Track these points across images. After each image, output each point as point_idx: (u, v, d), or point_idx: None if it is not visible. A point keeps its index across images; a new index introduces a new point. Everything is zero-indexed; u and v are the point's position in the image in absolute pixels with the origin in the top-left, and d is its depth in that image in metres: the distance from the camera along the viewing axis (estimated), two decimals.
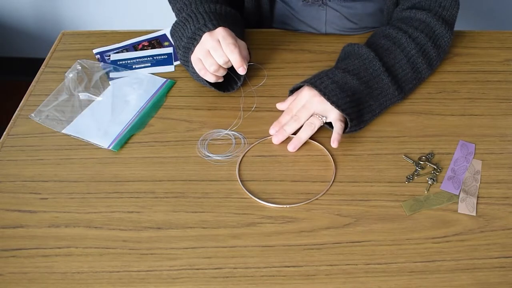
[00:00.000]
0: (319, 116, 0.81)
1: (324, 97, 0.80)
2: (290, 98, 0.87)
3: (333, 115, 0.81)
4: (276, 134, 0.83)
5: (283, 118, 0.84)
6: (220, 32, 0.84)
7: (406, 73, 0.87)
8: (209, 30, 0.85)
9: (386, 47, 0.88)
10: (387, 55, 0.87)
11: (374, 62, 0.85)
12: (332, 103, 0.80)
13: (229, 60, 0.83)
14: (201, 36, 0.85)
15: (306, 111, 0.82)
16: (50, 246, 0.70)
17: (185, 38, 0.89)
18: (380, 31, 0.93)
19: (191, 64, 0.86)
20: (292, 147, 0.81)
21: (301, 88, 0.85)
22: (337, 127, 0.80)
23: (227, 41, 0.83)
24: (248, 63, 0.87)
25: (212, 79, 0.86)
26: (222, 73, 0.86)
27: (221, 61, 0.83)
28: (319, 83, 0.82)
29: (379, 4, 1.00)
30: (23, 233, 0.72)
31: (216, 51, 0.83)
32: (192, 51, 0.86)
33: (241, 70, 0.84)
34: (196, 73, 0.87)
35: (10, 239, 0.71)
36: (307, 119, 0.82)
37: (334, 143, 0.79)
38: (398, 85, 0.86)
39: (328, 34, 1.02)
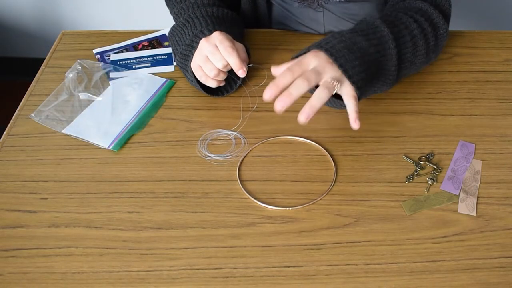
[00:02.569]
0: (333, 82, 0.70)
1: (331, 58, 0.71)
2: (290, 62, 0.75)
3: (347, 85, 0.72)
4: (281, 98, 0.68)
5: (282, 79, 0.70)
6: (217, 36, 0.83)
7: (406, 52, 0.80)
8: (205, 36, 0.84)
9: (391, 20, 0.82)
10: (392, 27, 0.80)
11: (382, 28, 0.78)
12: (340, 66, 0.71)
13: (228, 64, 0.83)
14: (198, 43, 0.85)
15: (316, 74, 0.70)
16: (50, 246, 0.70)
17: (183, 44, 0.88)
18: (380, 15, 0.87)
19: (190, 69, 0.86)
20: (304, 116, 0.69)
21: (306, 54, 0.75)
22: (351, 105, 0.72)
23: (224, 44, 0.82)
24: (248, 64, 0.87)
25: (213, 84, 0.85)
26: (222, 77, 0.85)
27: (220, 65, 0.82)
28: (324, 43, 0.75)
29: (376, 4, 0.99)
30: (23, 233, 0.72)
31: (214, 56, 0.82)
32: (191, 59, 0.85)
33: (241, 72, 0.83)
34: (190, 78, 0.87)
35: (10, 239, 0.71)
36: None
37: (355, 124, 0.71)
38: (398, 62, 0.79)
39: (327, 34, 1.02)
